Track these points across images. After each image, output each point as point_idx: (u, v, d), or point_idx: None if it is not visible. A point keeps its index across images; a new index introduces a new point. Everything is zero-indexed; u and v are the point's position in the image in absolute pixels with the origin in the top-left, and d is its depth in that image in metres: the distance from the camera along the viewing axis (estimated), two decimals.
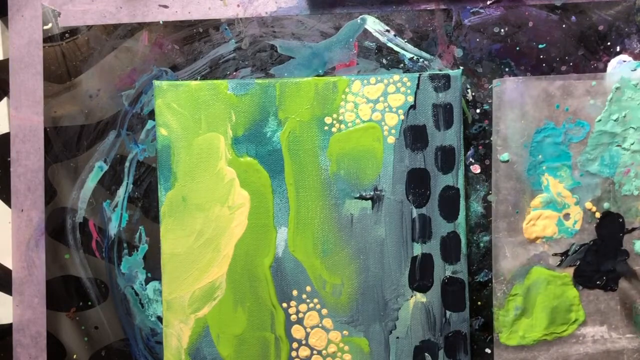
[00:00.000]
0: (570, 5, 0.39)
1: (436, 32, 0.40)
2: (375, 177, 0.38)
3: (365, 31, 0.40)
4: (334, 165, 0.39)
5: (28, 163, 0.42)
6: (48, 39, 0.41)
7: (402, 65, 0.40)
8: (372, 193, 0.38)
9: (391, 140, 0.38)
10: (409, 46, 0.40)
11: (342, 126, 0.38)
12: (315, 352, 0.39)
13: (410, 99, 0.38)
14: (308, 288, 0.39)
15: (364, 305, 0.39)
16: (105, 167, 0.41)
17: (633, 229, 0.39)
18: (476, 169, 0.40)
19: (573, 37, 0.39)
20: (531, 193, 0.39)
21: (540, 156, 0.39)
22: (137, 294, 0.41)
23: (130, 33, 0.41)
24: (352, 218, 0.39)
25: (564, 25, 0.39)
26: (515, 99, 0.39)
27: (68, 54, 0.41)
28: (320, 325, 0.39)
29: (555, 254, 0.39)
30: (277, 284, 0.39)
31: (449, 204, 0.38)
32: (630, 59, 0.39)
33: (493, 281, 0.39)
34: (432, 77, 0.38)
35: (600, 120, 0.38)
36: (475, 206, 0.40)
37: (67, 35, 0.41)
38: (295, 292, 0.39)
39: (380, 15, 0.40)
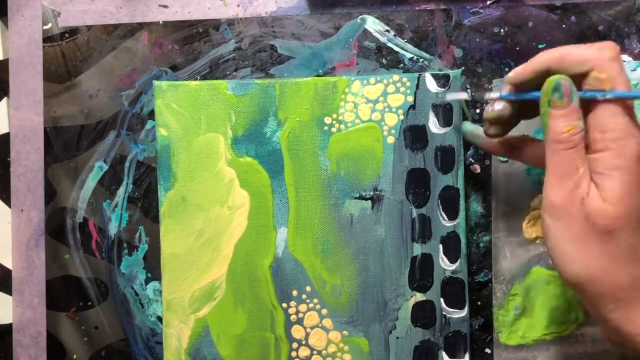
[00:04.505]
0: (570, 5, 0.39)
1: (436, 32, 0.40)
2: (375, 177, 0.38)
3: (365, 31, 0.40)
4: (334, 165, 0.39)
5: (28, 163, 0.42)
6: (48, 39, 0.41)
7: (402, 65, 0.40)
8: (372, 193, 0.38)
9: (391, 140, 0.38)
10: (409, 46, 0.40)
11: (342, 126, 0.38)
12: (315, 352, 0.39)
13: (410, 99, 0.38)
14: (308, 288, 0.39)
15: (363, 305, 0.39)
16: (105, 167, 0.41)
17: None
18: (476, 169, 0.39)
19: (573, 37, 0.39)
20: (531, 193, 0.39)
21: None
22: (137, 294, 0.41)
23: (130, 33, 0.41)
24: (352, 218, 0.39)
25: (564, 25, 0.39)
26: None
27: (68, 54, 0.41)
28: (320, 325, 0.39)
29: None
30: (277, 284, 0.39)
31: (449, 204, 0.38)
32: (630, 59, 0.39)
33: (493, 281, 0.40)
34: (432, 77, 0.38)
35: None
36: (475, 206, 0.40)
37: (67, 35, 0.41)
38: (295, 292, 0.39)
39: (380, 15, 0.40)
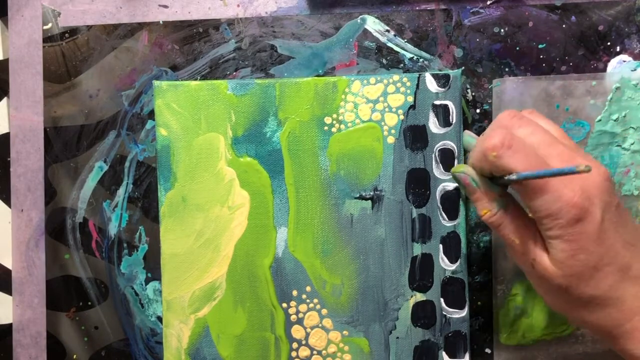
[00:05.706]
0: (570, 5, 0.39)
1: (436, 32, 0.40)
2: (375, 177, 0.38)
3: (365, 31, 0.40)
4: (334, 166, 0.39)
5: (28, 163, 0.42)
6: (48, 39, 0.41)
7: (402, 65, 0.40)
8: (372, 193, 0.38)
9: (391, 140, 0.38)
10: (409, 46, 0.40)
11: (342, 126, 0.38)
12: (315, 352, 0.39)
13: (410, 99, 0.38)
14: (308, 288, 0.39)
15: (364, 306, 0.39)
16: (105, 167, 0.41)
17: None
18: None
19: (573, 37, 0.39)
20: None
21: None
22: (137, 294, 0.41)
23: (130, 33, 0.41)
24: (352, 218, 0.39)
25: (564, 25, 0.39)
26: (515, 98, 0.39)
27: (68, 54, 0.41)
28: (320, 325, 0.39)
29: None
30: (277, 284, 0.39)
31: (449, 204, 0.38)
32: (630, 59, 0.39)
33: (493, 281, 0.40)
34: (432, 77, 0.38)
35: (600, 120, 0.38)
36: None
37: (67, 35, 0.41)
38: (295, 292, 0.39)
39: (380, 15, 0.40)
